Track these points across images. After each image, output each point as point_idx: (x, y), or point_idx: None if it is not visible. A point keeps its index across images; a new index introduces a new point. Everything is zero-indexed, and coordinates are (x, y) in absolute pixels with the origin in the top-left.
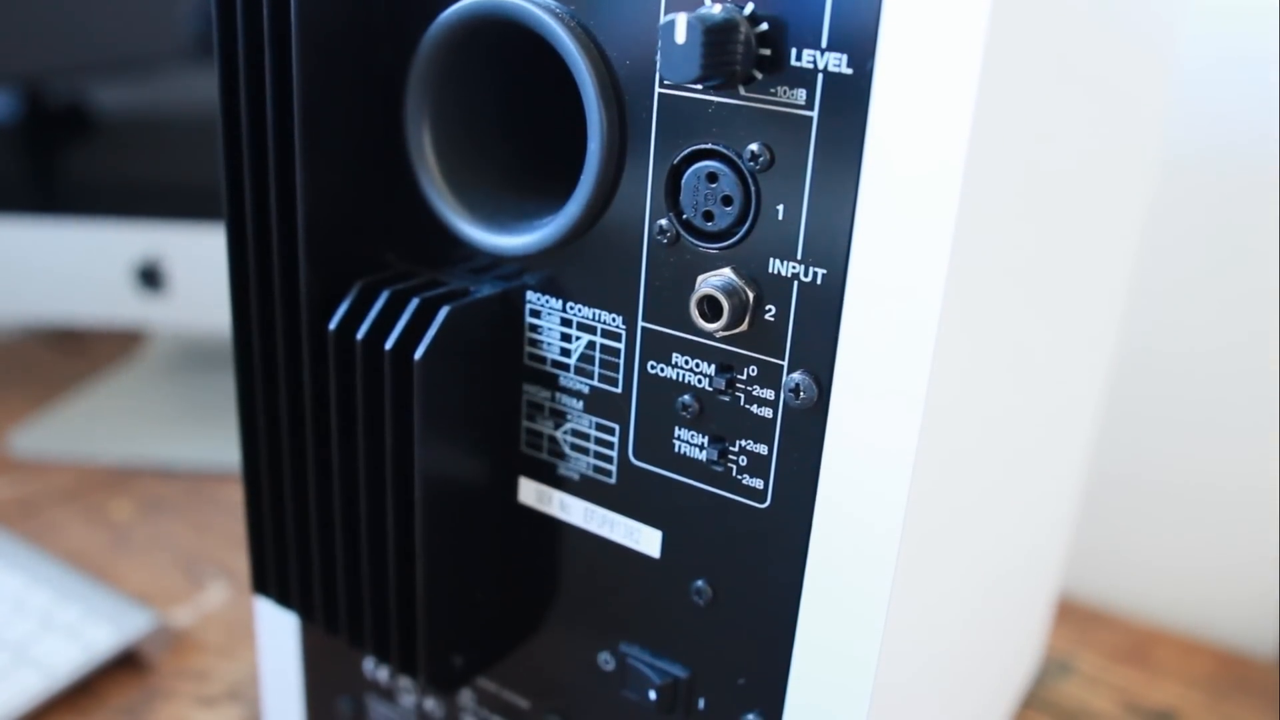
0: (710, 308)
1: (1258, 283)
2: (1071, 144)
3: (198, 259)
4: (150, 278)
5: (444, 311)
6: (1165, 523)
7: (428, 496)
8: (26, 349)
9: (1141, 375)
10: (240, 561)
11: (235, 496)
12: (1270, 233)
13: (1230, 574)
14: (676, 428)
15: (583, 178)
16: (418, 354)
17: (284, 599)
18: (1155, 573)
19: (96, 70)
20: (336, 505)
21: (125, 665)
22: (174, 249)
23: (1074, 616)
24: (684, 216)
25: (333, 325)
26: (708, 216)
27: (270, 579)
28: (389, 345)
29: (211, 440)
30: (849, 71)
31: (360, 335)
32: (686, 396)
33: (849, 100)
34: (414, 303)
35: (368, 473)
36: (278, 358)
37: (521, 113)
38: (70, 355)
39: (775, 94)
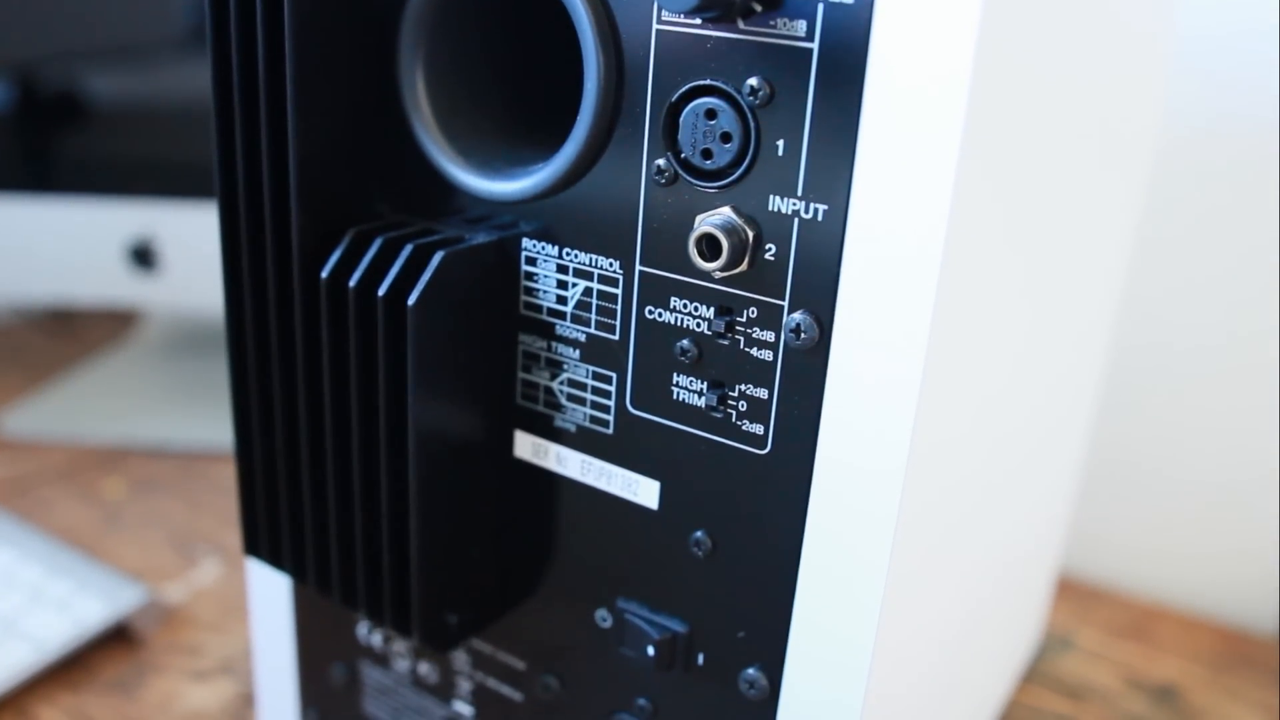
0: (709, 247)
1: (1258, 262)
2: (1076, 98)
3: (191, 238)
4: (143, 257)
5: (438, 257)
6: (1165, 501)
7: (421, 450)
8: (18, 332)
9: (1142, 352)
10: (233, 539)
11: (228, 476)
12: (1271, 213)
13: (1230, 552)
14: (675, 374)
15: (579, 119)
16: (411, 300)
17: (276, 560)
18: (1155, 551)
19: (90, 56)
20: (329, 461)
21: (117, 639)
22: (167, 227)
23: (1074, 594)
24: (682, 155)
25: (325, 273)
26: (706, 155)
27: (262, 540)
28: (382, 292)
29: (204, 420)
30: (849, 1)
31: (353, 283)
32: (685, 341)
33: (850, 31)
34: (407, 249)
35: (360, 426)
36: (269, 308)
37: (516, 60)
38: (62, 338)
39: (774, 26)
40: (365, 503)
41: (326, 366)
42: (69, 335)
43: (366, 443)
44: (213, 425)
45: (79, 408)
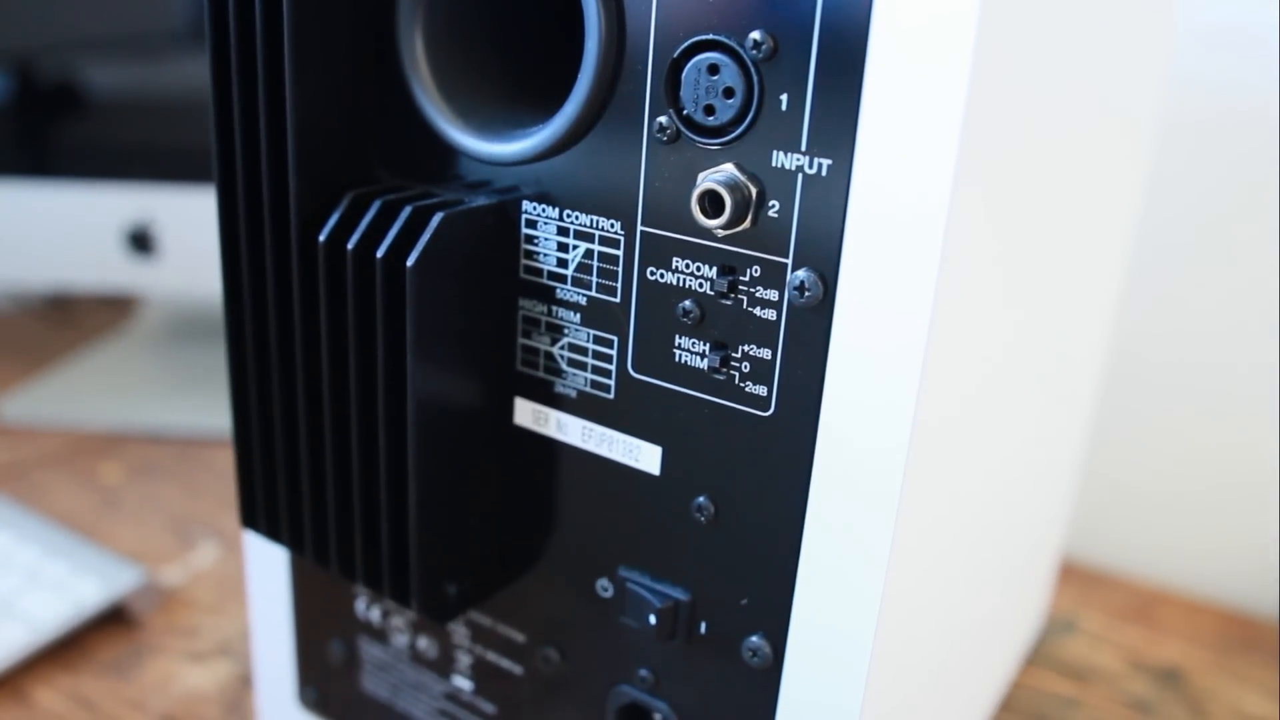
0: (712, 203)
1: (1260, 244)
2: (1082, 70)
3: (189, 222)
4: (141, 242)
5: (437, 218)
6: (1167, 486)
7: (420, 416)
8: (16, 321)
9: (1146, 336)
10: (232, 523)
11: (227, 461)
12: (1271, 198)
13: (1233, 537)
14: (677, 336)
15: (579, 78)
16: (410, 261)
17: (274, 532)
18: (1157, 536)
19: (88, 45)
20: (327, 429)
21: (114, 621)
22: (165, 212)
23: (1077, 578)
24: (684, 112)
25: (323, 236)
26: (709, 111)
27: (259, 512)
28: (380, 253)
29: (203, 406)
30: None
31: (351, 245)
32: (687, 302)
33: None
34: (406, 211)
35: (359, 392)
36: (266, 272)
37: (516, 21)
38: (60, 326)
39: None
40: (363, 472)
41: (324, 331)
42: (67, 323)
43: (365, 410)
44: (211, 411)
45: (77, 394)
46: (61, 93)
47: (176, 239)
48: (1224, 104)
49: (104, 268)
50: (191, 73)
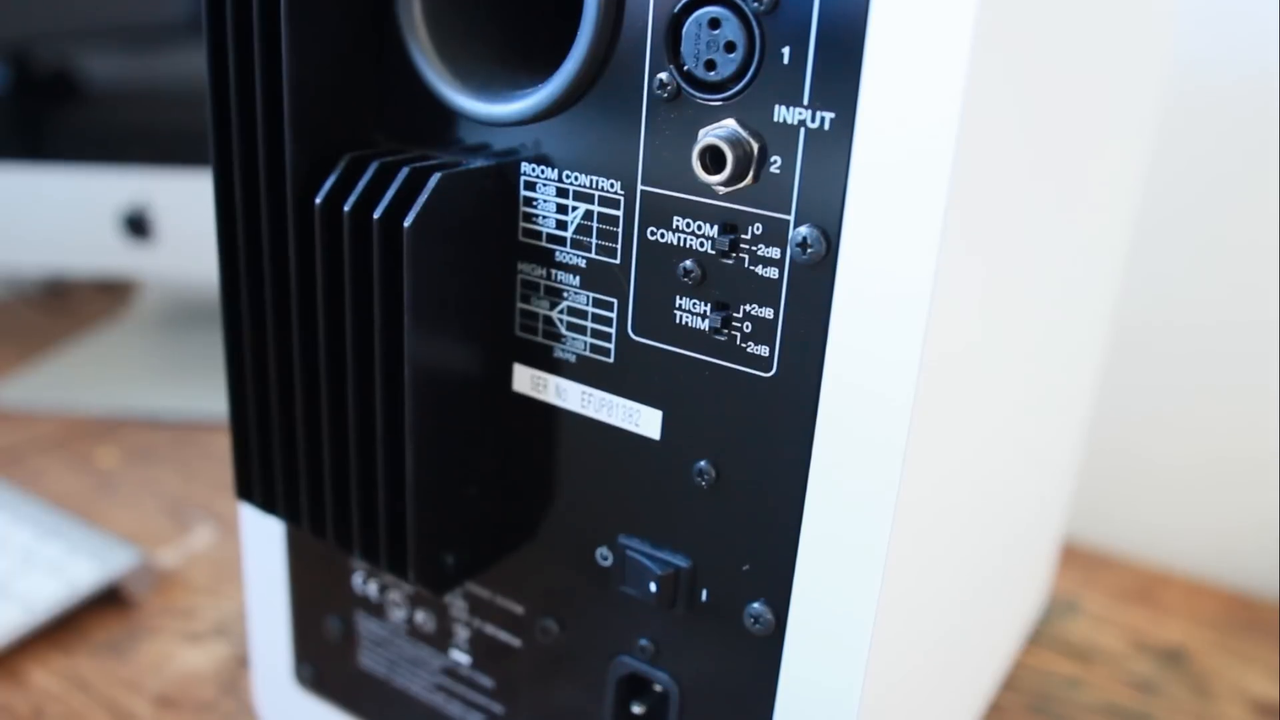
0: (713, 160)
1: (1261, 224)
2: (1086, 41)
3: (186, 206)
4: (137, 226)
5: (435, 178)
6: (1169, 468)
7: (417, 383)
8: (13, 308)
9: (1146, 319)
10: (228, 506)
11: (224, 446)
12: (1272, 175)
13: (1235, 518)
14: (677, 297)
15: (579, 35)
16: (407, 221)
17: (269, 504)
18: (1159, 518)
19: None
20: (323, 396)
21: (109, 603)
22: (162, 195)
23: (1079, 561)
24: (685, 68)
25: (319, 198)
26: (710, 66)
27: (255, 484)
28: (377, 214)
29: (199, 392)
30: None
31: (348, 207)
32: (688, 262)
33: None
34: (404, 172)
35: (355, 359)
36: (262, 237)
37: None
38: (57, 314)
39: None
40: (359, 440)
41: (321, 297)
42: (64, 311)
43: (361, 377)
44: (207, 397)
45: (73, 379)
46: (57, 76)
47: (174, 223)
48: (1229, 74)
49: (101, 252)
50: (189, 60)
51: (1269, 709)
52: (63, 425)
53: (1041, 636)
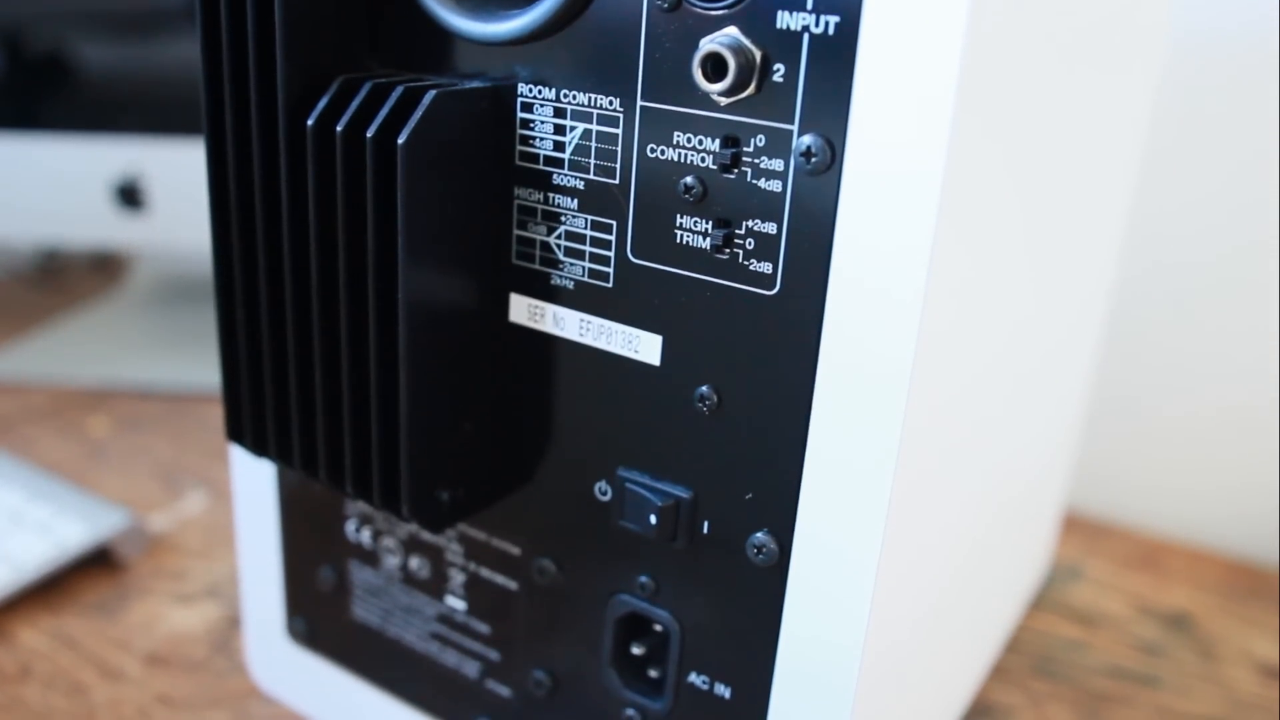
0: (714, 67)
1: (1260, 200)
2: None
3: (179, 176)
4: (130, 196)
5: (430, 95)
6: (1171, 436)
7: (412, 313)
8: (5, 285)
9: (1146, 286)
10: (221, 472)
11: (217, 415)
12: (1271, 142)
13: (1238, 486)
14: (678, 216)
15: None
16: (401, 138)
17: (259, 444)
18: (1162, 486)
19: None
20: (315, 328)
21: (100, 565)
22: (154, 165)
23: (1082, 529)
24: None
25: (311, 120)
26: None
27: (245, 424)
28: (371, 133)
29: (192, 364)
30: None
31: (340, 127)
32: (689, 178)
33: None
34: (398, 90)
35: (348, 289)
36: (252, 162)
37: None
38: (50, 291)
39: None
40: (352, 374)
41: (313, 224)
42: (57, 288)
43: (354, 308)
44: (200, 369)
45: (65, 352)
46: (49, 45)
47: (166, 193)
48: (1224, 24)
49: (93, 223)
50: (184, 31)
51: (1275, 671)
52: (54, 396)
53: (1044, 601)
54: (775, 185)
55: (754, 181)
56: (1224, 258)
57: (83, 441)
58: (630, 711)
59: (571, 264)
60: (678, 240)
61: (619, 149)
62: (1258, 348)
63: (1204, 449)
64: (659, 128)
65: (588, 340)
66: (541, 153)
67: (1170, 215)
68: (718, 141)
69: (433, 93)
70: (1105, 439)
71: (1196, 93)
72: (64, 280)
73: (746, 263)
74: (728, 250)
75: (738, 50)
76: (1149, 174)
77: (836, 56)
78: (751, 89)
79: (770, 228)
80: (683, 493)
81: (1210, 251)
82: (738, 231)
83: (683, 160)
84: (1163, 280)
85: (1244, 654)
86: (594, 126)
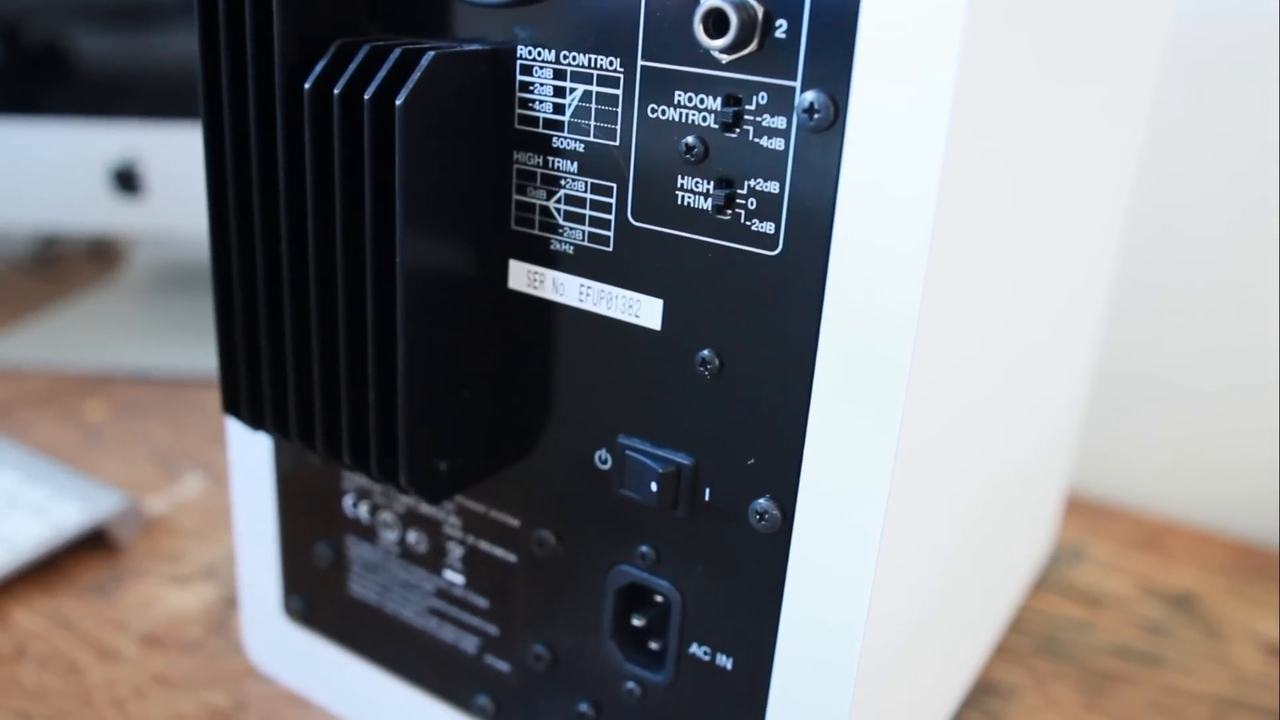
0: (716, 23)
1: (1262, 177)
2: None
3: (176, 160)
4: (127, 181)
5: (428, 56)
6: (1173, 418)
7: (409, 279)
8: (2, 274)
9: (1149, 268)
10: (218, 457)
11: (214, 401)
12: (1272, 122)
13: (1241, 468)
14: (679, 177)
15: None
16: (399, 99)
17: (256, 416)
18: (1164, 467)
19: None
20: (312, 296)
21: (96, 547)
22: (152, 149)
23: (1084, 510)
24: None
25: (308, 83)
26: None
27: (241, 397)
28: (369, 94)
29: (189, 350)
30: None
31: (338, 89)
32: (690, 138)
33: None
34: (395, 53)
35: (345, 255)
36: (249, 126)
37: None
38: (47, 280)
39: None
40: (349, 342)
41: (310, 188)
42: (54, 277)
43: (351, 276)
44: (197, 355)
45: (62, 338)
46: (47, 31)
47: (163, 178)
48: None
49: (90, 208)
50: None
51: (1279, 650)
52: (51, 381)
53: (1048, 582)
54: (778, 143)
55: (756, 140)
56: (1226, 239)
57: (80, 426)
58: (631, 684)
59: (571, 228)
60: (679, 202)
61: (619, 110)
62: (1260, 328)
63: (1208, 430)
64: (660, 87)
65: (588, 306)
66: (541, 115)
67: (1174, 197)
68: (719, 100)
69: (431, 54)
70: (1108, 420)
71: (1203, 68)
72: (62, 267)
73: (748, 223)
74: (729, 211)
75: (739, 5)
76: (1149, 156)
77: (840, 11)
78: (754, 45)
79: (772, 187)
80: (684, 459)
81: (1212, 233)
82: (739, 191)
83: (684, 120)
84: (1165, 261)
85: (1249, 633)
86: (594, 88)
